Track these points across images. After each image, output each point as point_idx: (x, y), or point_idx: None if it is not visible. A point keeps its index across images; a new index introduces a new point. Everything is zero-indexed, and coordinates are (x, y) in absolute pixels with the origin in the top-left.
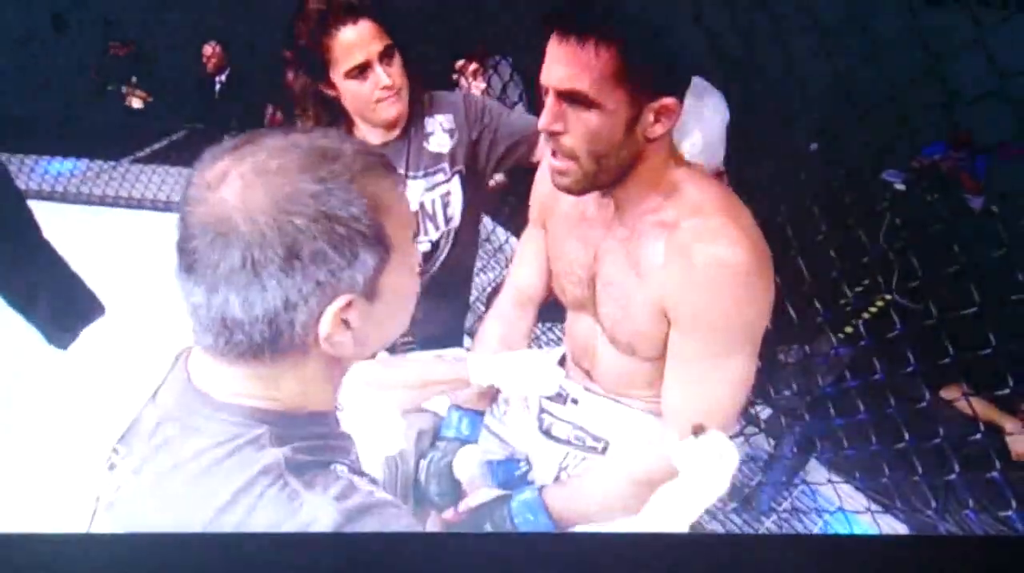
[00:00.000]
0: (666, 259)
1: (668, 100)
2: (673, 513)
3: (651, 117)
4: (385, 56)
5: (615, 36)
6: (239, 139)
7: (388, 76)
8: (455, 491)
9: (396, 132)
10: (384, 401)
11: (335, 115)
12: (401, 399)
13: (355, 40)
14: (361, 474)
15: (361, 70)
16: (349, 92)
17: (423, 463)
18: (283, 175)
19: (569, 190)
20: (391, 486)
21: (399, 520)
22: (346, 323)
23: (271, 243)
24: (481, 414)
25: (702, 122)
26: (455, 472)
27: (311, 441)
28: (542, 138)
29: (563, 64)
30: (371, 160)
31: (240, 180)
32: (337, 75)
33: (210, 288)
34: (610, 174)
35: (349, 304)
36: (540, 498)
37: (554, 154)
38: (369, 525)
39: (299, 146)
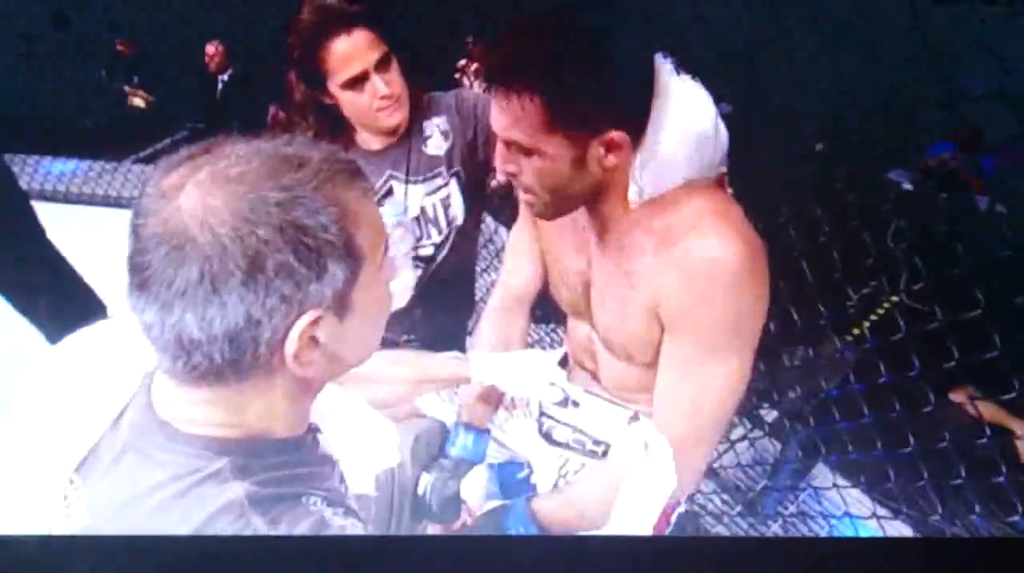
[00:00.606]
0: (656, 263)
1: (614, 135)
2: (620, 507)
3: (601, 151)
4: (382, 64)
5: (537, 87)
6: (197, 147)
7: (386, 85)
8: (458, 510)
9: (396, 137)
10: (373, 411)
11: (335, 122)
12: (399, 394)
13: (350, 51)
14: (337, 505)
15: (358, 80)
16: (347, 102)
17: (426, 478)
18: (244, 183)
19: (541, 217)
20: (386, 498)
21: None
22: (315, 340)
23: (231, 255)
24: (487, 432)
25: (656, 147)
26: (463, 494)
27: (279, 471)
28: None
29: (500, 114)
30: (339, 167)
31: (197, 189)
32: (334, 86)
33: (165, 306)
34: (573, 201)
35: (317, 320)
36: (526, 509)
37: (520, 190)
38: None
39: (261, 153)
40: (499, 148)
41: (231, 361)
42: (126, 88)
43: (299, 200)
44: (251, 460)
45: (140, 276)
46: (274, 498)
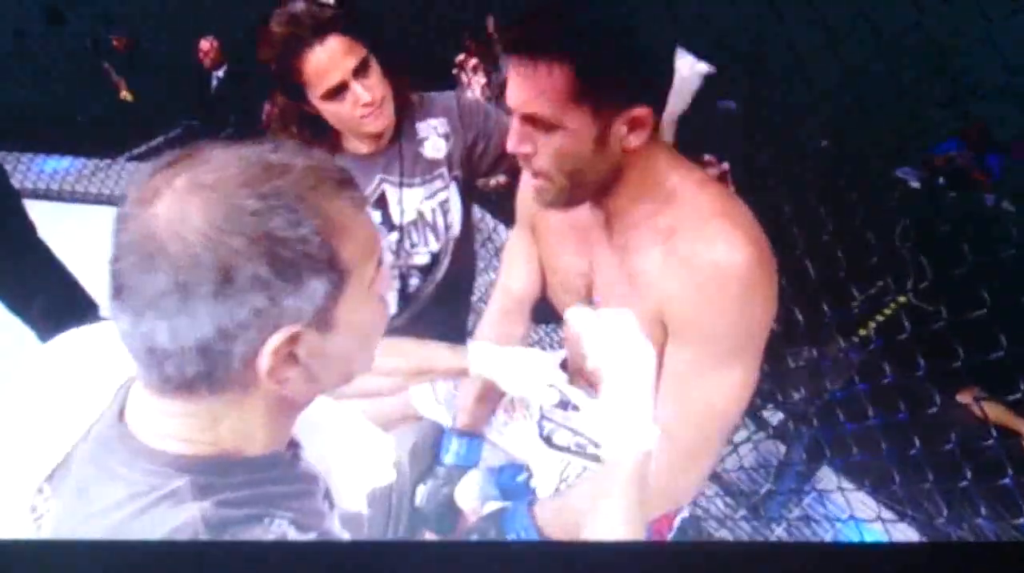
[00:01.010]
0: (662, 267)
1: (639, 111)
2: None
3: (623, 129)
4: (361, 71)
5: (566, 56)
6: (180, 152)
7: (367, 91)
8: (456, 519)
9: (385, 141)
10: (369, 425)
11: (319, 129)
12: (393, 384)
13: (325, 61)
14: (307, 529)
15: (337, 91)
16: (329, 112)
17: (421, 489)
18: (220, 191)
19: (550, 206)
20: (383, 505)
21: None
22: (293, 357)
23: (202, 265)
24: (480, 437)
25: None
26: (457, 500)
27: (244, 490)
28: None
29: (520, 87)
30: (325, 175)
31: (172, 196)
32: (313, 97)
33: (136, 314)
34: (588, 188)
35: (296, 336)
36: (527, 514)
37: (531, 174)
38: None
39: (243, 159)
40: (515, 126)
41: (204, 373)
42: (105, 64)
43: (277, 210)
44: (215, 479)
45: (116, 282)
46: (233, 520)
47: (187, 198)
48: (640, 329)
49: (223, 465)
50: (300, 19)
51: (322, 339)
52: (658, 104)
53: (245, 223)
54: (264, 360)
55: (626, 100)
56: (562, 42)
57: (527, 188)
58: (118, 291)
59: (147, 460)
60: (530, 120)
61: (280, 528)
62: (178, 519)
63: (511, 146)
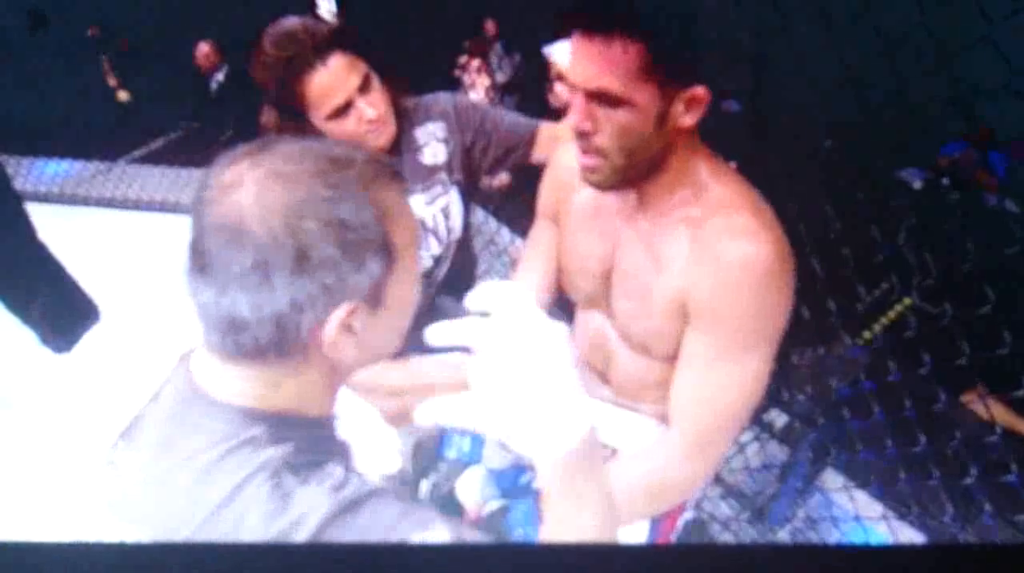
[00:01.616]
0: (689, 255)
1: (698, 89)
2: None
3: (681, 107)
4: (364, 87)
5: (640, 31)
6: (254, 145)
7: (371, 107)
8: (458, 515)
9: (385, 151)
10: (376, 417)
11: None
12: (394, 407)
13: (329, 83)
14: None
15: (342, 110)
16: (333, 131)
17: (424, 485)
18: (297, 181)
19: (599, 186)
20: None
21: (389, 508)
22: (350, 329)
23: (283, 246)
24: (483, 434)
25: None
26: (458, 496)
27: (307, 442)
28: (553, 134)
29: (589, 63)
30: (381, 169)
31: (255, 185)
32: (317, 119)
33: (220, 288)
34: (640, 168)
35: (354, 310)
36: (535, 510)
37: (584, 152)
38: (362, 515)
39: (312, 153)
40: (579, 103)
41: (274, 341)
42: (103, 56)
43: (344, 198)
44: (284, 432)
45: (200, 260)
46: (304, 464)
47: (270, 186)
48: (661, 310)
49: (288, 421)
50: (298, 39)
51: (372, 314)
52: (709, 83)
53: (319, 209)
54: (330, 330)
55: (689, 78)
56: (638, 18)
57: (552, 179)
58: (203, 268)
59: (226, 413)
60: (596, 96)
61: (340, 472)
62: (259, 459)
63: (573, 124)
